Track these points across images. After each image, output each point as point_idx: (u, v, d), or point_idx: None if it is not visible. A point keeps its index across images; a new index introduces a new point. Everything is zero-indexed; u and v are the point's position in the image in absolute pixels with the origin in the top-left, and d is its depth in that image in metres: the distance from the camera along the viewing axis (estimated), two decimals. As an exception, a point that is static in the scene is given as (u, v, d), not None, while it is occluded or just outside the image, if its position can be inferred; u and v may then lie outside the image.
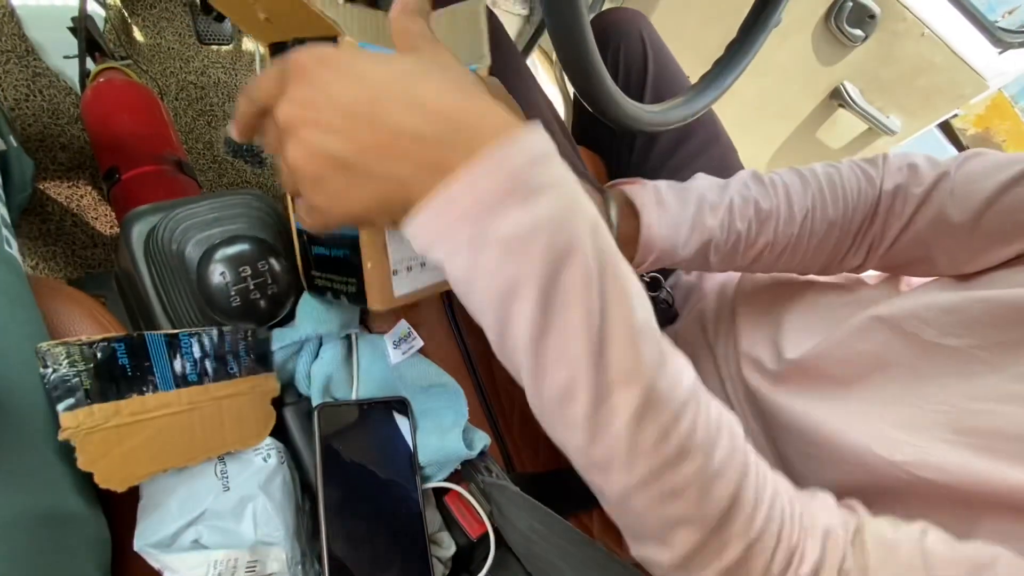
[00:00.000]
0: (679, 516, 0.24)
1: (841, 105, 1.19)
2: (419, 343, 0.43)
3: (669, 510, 0.24)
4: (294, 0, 0.26)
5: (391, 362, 0.45)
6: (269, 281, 0.34)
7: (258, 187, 1.00)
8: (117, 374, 0.34)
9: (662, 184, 0.46)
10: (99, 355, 0.34)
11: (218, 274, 0.32)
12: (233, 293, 0.32)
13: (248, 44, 1.08)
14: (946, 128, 2.27)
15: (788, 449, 0.41)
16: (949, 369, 0.35)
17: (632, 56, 0.70)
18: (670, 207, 0.43)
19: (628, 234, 0.43)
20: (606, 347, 0.22)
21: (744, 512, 0.25)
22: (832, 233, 0.45)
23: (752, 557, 0.25)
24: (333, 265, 0.39)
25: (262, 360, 0.43)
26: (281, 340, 0.44)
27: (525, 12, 1.10)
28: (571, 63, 0.39)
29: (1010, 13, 1.30)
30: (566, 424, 0.24)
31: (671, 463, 0.23)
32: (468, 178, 0.22)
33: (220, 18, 0.51)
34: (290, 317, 0.47)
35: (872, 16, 1.04)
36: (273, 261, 0.34)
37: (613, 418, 0.23)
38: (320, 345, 0.47)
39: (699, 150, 0.68)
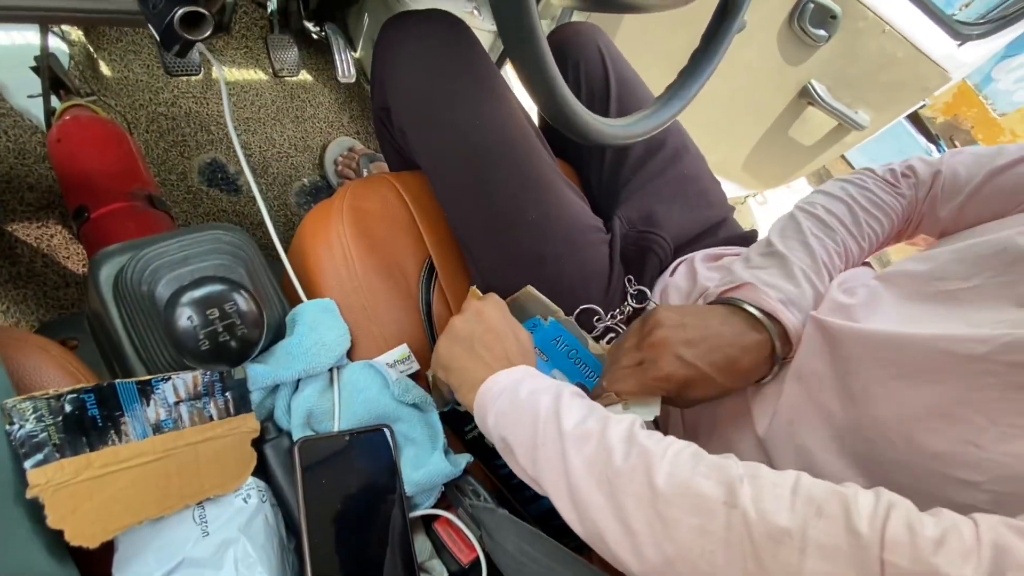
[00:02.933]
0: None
1: (810, 103, 1.21)
2: (416, 366, 0.44)
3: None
4: None
5: (392, 378, 0.45)
6: (238, 322, 0.33)
7: (234, 215, 0.99)
8: (87, 425, 0.33)
9: (774, 282, 0.47)
10: (68, 407, 0.33)
11: (185, 318, 0.32)
12: (202, 336, 0.32)
13: (216, 74, 1.08)
14: (915, 118, 2.33)
15: (868, 382, 0.39)
16: (987, 301, 0.37)
17: (592, 71, 0.70)
18: (794, 297, 0.46)
19: (776, 336, 0.45)
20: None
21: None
22: (881, 239, 0.54)
23: None
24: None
25: (240, 400, 0.43)
26: (259, 382, 0.43)
27: (495, 28, 1.11)
28: (531, 83, 0.39)
29: (967, 6, 1.34)
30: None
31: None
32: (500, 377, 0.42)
33: (182, 52, 0.51)
34: (274, 340, 0.46)
35: (834, 16, 1.06)
36: (241, 300, 0.34)
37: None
38: (300, 379, 0.47)
39: (670, 160, 0.68)
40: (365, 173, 1.13)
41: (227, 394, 0.42)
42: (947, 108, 2.44)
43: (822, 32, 1.08)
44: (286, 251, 0.56)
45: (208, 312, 0.32)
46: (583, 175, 0.76)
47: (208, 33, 0.50)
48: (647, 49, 0.88)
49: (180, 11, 0.46)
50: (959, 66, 1.18)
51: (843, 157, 2.34)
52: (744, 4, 0.57)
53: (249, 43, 1.12)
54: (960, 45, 1.17)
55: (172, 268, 0.42)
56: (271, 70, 1.08)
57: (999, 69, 1.95)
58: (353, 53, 1.14)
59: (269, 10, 1.02)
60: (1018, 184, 0.47)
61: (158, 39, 0.50)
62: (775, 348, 0.43)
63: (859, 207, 0.51)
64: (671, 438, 0.35)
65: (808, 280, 0.46)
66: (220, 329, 0.32)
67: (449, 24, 0.53)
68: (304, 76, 1.17)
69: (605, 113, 0.71)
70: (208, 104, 1.03)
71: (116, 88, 0.95)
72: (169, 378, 0.38)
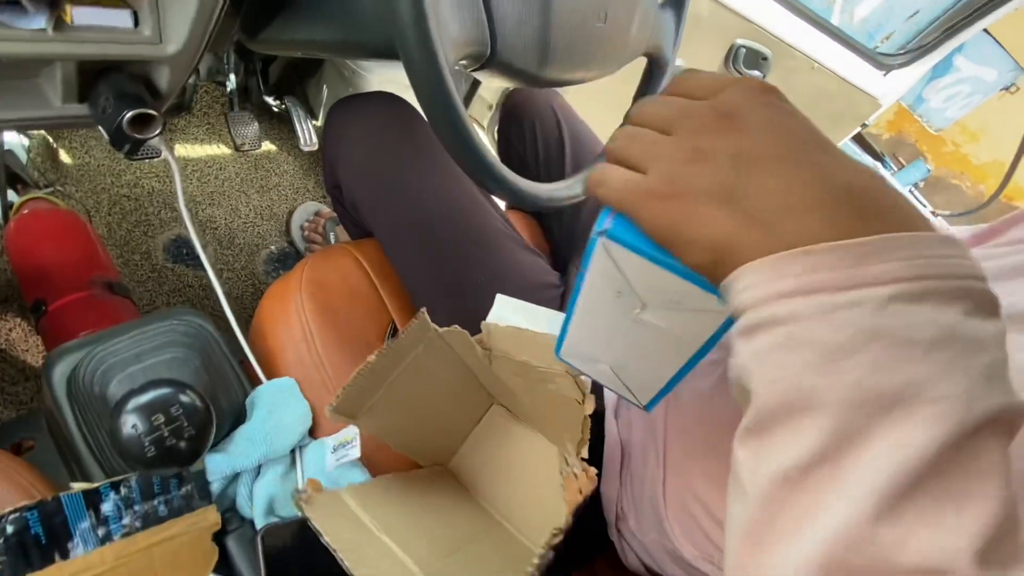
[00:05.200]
0: None
1: (756, 137, 1.28)
2: (356, 453, 0.43)
3: None
4: None
5: (327, 468, 0.44)
6: (185, 424, 0.33)
7: (200, 290, 0.99)
8: (29, 545, 0.33)
9: None
10: (9, 529, 0.32)
11: (130, 426, 0.32)
12: (147, 443, 0.32)
13: (180, 151, 1.10)
14: (859, 138, 2.47)
15: None
16: None
17: (547, 131, 0.73)
18: None
19: None
20: None
21: None
22: None
23: None
24: None
25: (199, 493, 0.42)
26: (218, 472, 0.43)
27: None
28: (461, 163, 0.41)
29: (887, 39, 1.44)
30: None
31: None
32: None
33: (133, 151, 0.52)
34: (235, 425, 0.45)
35: (765, 58, 1.13)
36: (187, 401, 0.34)
37: None
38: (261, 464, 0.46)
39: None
40: (332, 236, 1.14)
41: (184, 488, 0.41)
42: (891, 125, 2.60)
43: (757, 73, 1.15)
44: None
45: (153, 418, 0.32)
46: (545, 223, 0.78)
47: (158, 131, 0.52)
48: (600, 99, 0.92)
49: (129, 114, 0.48)
50: (887, 93, 1.26)
51: (799, 179, 2.46)
52: (668, 64, 0.61)
53: (211, 120, 1.15)
54: (885, 75, 1.25)
55: (124, 367, 0.42)
56: (233, 145, 1.11)
57: (929, 89, 2.08)
58: (314, 122, 1.17)
59: (228, 88, 1.05)
60: None
61: (108, 140, 0.52)
62: None
63: None
64: None
65: None
66: (166, 434, 0.32)
67: (391, 105, 0.56)
68: (267, 146, 1.20)
69: (560, 171, 0.74)
70: (171, 182, 1.04)
71: (77, 175, 0.96)
72: (118, 482, 0.37)
